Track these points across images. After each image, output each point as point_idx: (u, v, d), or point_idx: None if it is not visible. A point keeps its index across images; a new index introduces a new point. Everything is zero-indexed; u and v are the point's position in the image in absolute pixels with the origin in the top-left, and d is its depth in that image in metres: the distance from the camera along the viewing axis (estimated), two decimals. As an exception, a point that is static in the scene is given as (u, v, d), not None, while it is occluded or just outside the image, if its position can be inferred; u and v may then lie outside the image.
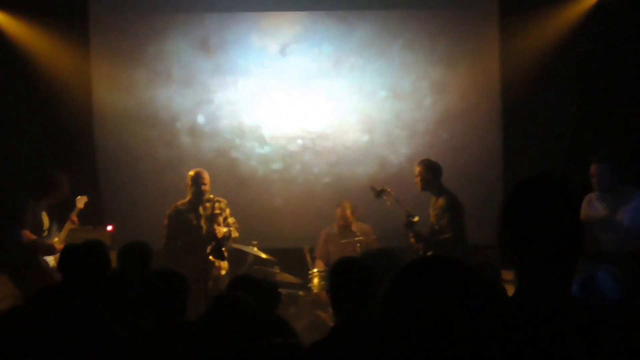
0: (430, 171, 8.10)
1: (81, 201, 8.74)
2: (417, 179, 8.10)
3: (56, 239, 8.40)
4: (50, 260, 8.30)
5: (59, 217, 8.58)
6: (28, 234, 8.16)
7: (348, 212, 9.24)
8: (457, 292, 1.82)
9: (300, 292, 8.78)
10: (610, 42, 9.36)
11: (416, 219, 7.88)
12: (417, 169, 8.14)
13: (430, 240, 7.92)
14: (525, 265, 2.26)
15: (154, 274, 4.79)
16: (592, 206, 7.46)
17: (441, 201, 7.95)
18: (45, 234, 8.34)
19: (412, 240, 7.95)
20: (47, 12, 9.59)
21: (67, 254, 5.02)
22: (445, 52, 10.02)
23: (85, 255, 4.89)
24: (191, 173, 8.60)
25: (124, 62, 10.02)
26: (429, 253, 7.85)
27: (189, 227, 8.46)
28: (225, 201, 8.67)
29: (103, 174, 10.03)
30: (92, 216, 9.07)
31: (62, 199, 8.51)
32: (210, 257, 8.14)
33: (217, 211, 8.54)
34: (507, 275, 6.30)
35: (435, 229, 7.96)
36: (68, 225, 8.51)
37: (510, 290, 6.15)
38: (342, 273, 4.18)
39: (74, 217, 8.56)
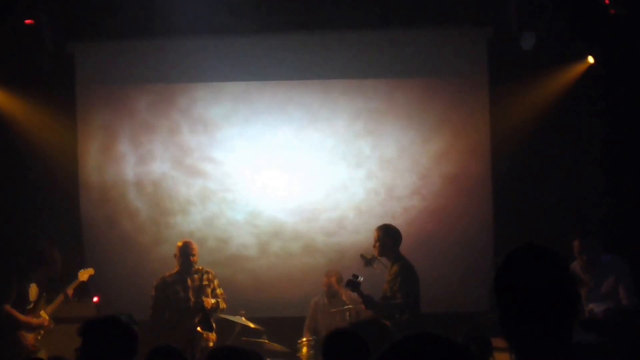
0: (389, 237, 8.07)
1: (85, 274, 8.73)
2: (376, 244, 8.06)
3: (42, 312, 8.31)
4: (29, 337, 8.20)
5: (52, 288, 8.51)
6: (9, 310, 8.08)
7: (333, 279, 9.21)
8: None
9: (289, 363, 8.70)
10: (600, 110, 9.47)
11: (360, 279, 7.80)
12: (376, 234, 8.11)
13: (379, 305, 7.83)
14: (522, 335, 2.26)
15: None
16: (577, 277, 7.53)
17: (395, 267, 7.91)
18: (31, 306, 8.25)
19: (362, 306, 7.92)
20: (34, 84, 9.66)
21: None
22: (436, 119, 10.10)
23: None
24: (179, 244, 8.62)
25: (110, 134, 10.08)
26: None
27: (177, 298, 8.44)
28: (213, 272, 8.68)
29: (88, 245, 9.96)
30: (78, 288, 8.99)
31: (52, 275, 8.46)
32: (199, 329, 8.08)
33: (206, 282, 8.53)
34: (499, 342, 6.27)
35: (388, 295, 7.88)
36: (60, 299, 8.45)
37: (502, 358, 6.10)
38: (335, 344, 4.19)
39: (70, 290, 8.52)
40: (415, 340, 1.89)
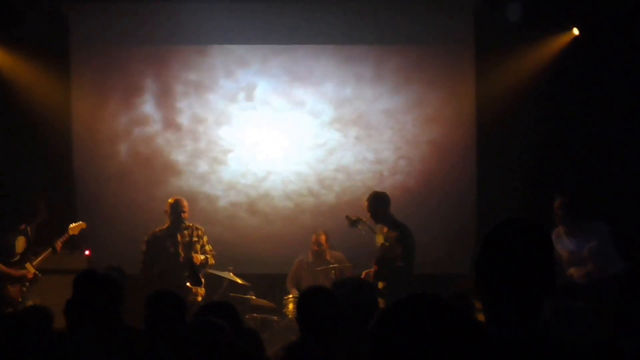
0: (379, 203, 8.24)
1: (77, 228, 8.78)
2: (369, 214, 8.27)
3: (27, 264, 8.42)
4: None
5: (41, 239, 8.61)
6: None
7: (323, 238, 9.35)
8: (446, 331, 1.84)
9: (275, 318, 8.86)
10: (584, 79, 9.60)
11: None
12: (366, 204, 8.30)
13: (385, 266, 8.03)
14: (499, 300, 2.37)
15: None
16: (561, 240, 7.72)
17: (395, 233, 8.06)
18: (17, 258, 8.36)
19: (375, 267, 8.09)
20: (29, 41, 9.72)
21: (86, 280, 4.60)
22: (421, 86, 10.22)
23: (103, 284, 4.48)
24: (171, 200, 8.69)
25: (104, 92, 10.18)
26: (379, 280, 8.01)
27: (167, 253, 8.50)
28: (203, 228, 8.74)
29: (81, 199, 10.10)
30: (70, 240, 9.07)
31: (39, 223, 8.56)
32: (188, 284, 8.24)
33: (195, 238, 8.61)
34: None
35: (388, 256, 8.05)
36: (47, 252, 8.52)
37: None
38: (309, 301, 4.30)
39: (58, 244, 8.59)
40: (416, 301, 1.91)
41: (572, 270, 7.66)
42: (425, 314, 1.86)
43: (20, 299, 8.34)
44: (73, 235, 8.79)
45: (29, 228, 8.49)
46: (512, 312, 2.34)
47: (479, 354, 1.85)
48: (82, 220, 9.05)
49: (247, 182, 10.27)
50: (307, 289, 4.56)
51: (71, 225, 8.79)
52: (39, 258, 8.50)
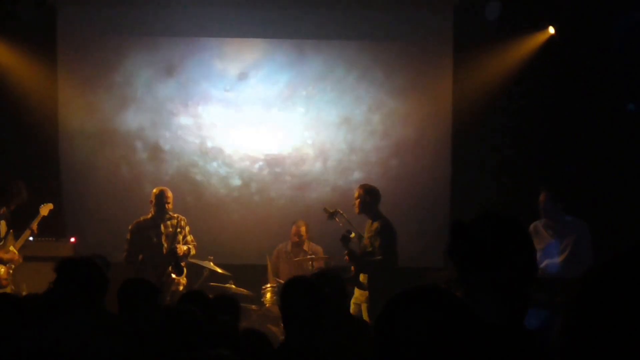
0: (370, 195, 8.36)
1: (46, 209, 8.87)
2: (356, 201, 8.38)
3: (11, 247, 8.52)
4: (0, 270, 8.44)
5: (19, 224, 8.71)
6: None
7: (303, 229, 9.50)
8: (452, 323, 1.80)
9: (253, 306, 9.01)
10: (559, 76, 9.80)
11: (353, 235, 8.15)
12: (357, 192, 8.42)
13: (361, 260, 8.16)
14: (478, 291, 2.36)
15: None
16: (538, 233, 7.80)
17: (376, 225, 8.21)
18: (2, 242, 8.48)
19: (346, 258, 8.20)
20: (17, 31, 9.82)
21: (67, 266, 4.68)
22: (399, 83, 10.37)
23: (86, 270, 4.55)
24: (155, 191, 8.77)
25: (90, 82, 10.28)
26: (360, 273, 8.15)
27: (150, 243, 8.60)
28: (185, 219, 8.84)
29: (66, 187, 10.22)
30: (55, 228, 9.25)
31: (20, 204, 8.66)
32: (173, 275, 8.41)
33: (178, 229, 8.71)
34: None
35: (368, 250, 8.19)
36: (26, 234, 8.64)
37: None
38: (292, 291, 4.40)
39: (34, 225, 8.69)
40: (418, 293, 1.87)
41: (546, 263, 7.81)
42: (430, 305, 1.82)
43: (6, 281, 8.46)
44: (44, 216, 8.87)
45: (10, 210, 8.58)
46: (493, 302, 2.34)
47: (482, 345, 1.81)
48: (68, 210, 9.22)
49: (228, 173, 10.42)
50: (291, 279, 4.66)
51: (42, 207, 8.88)
52: (21, 240, 8.64)
